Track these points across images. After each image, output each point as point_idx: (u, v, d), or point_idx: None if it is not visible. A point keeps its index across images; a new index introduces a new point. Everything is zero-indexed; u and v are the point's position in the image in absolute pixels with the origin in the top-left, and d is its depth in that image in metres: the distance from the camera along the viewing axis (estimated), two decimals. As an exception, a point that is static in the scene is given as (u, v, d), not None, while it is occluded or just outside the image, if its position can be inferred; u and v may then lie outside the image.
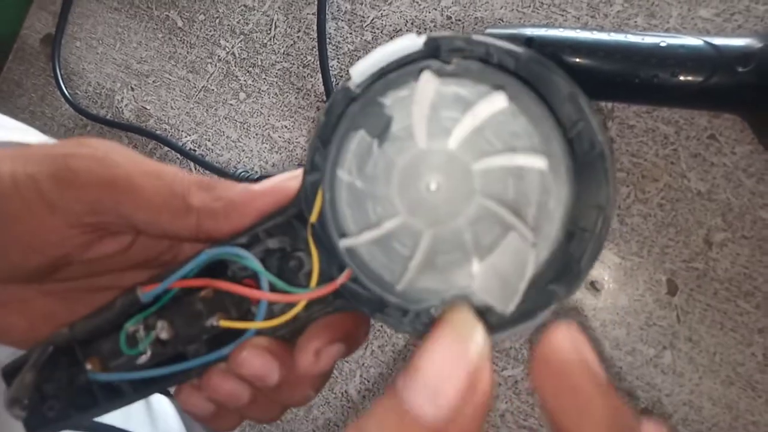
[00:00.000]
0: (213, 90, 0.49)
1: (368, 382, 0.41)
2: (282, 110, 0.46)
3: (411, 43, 0.18)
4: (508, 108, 0.17)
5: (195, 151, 0.49)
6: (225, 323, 0.21)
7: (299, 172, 0.20)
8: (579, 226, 0.17)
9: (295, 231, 0.21)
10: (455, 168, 0.18)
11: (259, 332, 0.21)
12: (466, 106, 0.18)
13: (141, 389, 0.23)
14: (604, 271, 0.37)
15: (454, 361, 0.14)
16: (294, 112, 0.46)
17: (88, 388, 0.23)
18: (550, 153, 0.17)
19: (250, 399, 0.21)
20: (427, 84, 0.18)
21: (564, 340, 0.15)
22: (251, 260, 0.21)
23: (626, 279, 0.36)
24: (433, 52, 0.18)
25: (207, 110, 0.49)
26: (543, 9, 0.40)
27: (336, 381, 0.42)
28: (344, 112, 0.18)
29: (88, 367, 0.22)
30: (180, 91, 0.50)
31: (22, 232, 0.21)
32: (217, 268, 0.22)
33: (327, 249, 0.20)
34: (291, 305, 0.21)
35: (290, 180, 0.21)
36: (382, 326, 0.41)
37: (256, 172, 0.47)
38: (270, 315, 0.21)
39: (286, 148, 0.46)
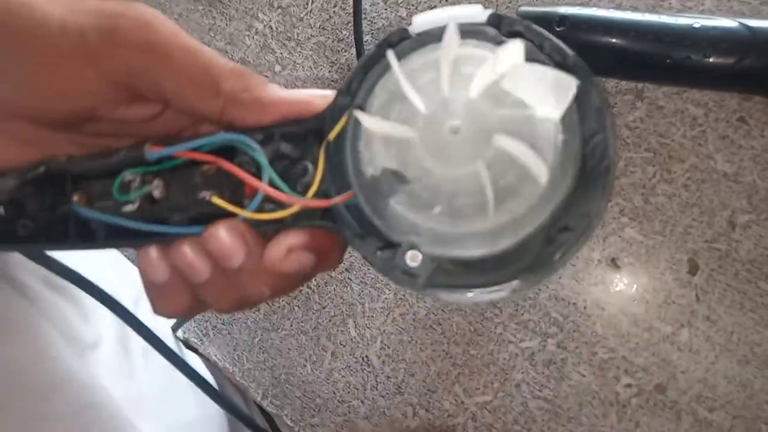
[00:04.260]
0: (250, 62, 0.50)
1: (388, 348, 0.43)
2: (316, 83, 0.48)
3: (476, 12, 0.19)
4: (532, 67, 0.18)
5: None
6: (216, 200, 0.22)
7: (331, 92, 0.21)
8: (564, 224, 0.18)
9: (308, 144, 0.22)
10: (475, 115, 0.19)
11: (244, 222, 0.22)
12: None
13: (113, 238, 0.23)
14: (625, 248, 0.37)
15: None
16: (327, 86, 0.47)
17: (65, 222, 0.23)
18: (571, 143, 0.18)
19: (207, 280, 0.22)
20: (452, 38, 0.19)
21: None
22: (259, 153, 0.21)
23: (647, 257, 0.37)
24: (494, 26, 0.19)
25: (243, 81, 0.50)
26: (577, -12, 0.40)
27: (357, 346, 0.44)
28: (394, 50, 0.20)
29: (75, 198, 0.23)
30: (218, 62, 0.52)
31: (60, 77, 0.21)
32: (225, 154, 0.22)
33: (334, 168, 0.20)
34: (282, 207, 0.21)
35: (321, 97, 0.22)
36: (404, 294, 0.43)
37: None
38: (260, 210, 0.22)
39: (318, 120, 0.47)
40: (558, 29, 0.37)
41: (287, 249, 0.21)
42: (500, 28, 0.20)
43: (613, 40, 0.36)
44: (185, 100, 0.22)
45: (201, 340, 0.51)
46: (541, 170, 0.17)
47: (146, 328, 0.40)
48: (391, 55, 0.19)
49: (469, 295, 0.19)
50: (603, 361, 0.37)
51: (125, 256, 0.51)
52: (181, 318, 0.24)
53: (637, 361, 0.36)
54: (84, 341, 0.37)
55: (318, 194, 0.21)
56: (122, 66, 0.21)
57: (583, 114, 0.18)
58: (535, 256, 0.19)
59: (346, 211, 0.20)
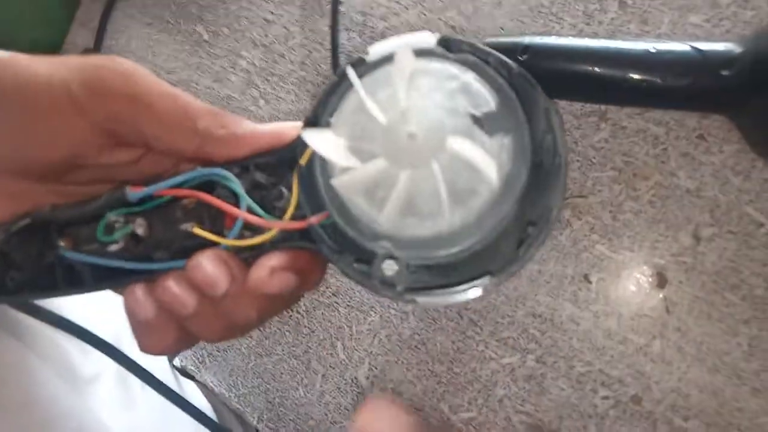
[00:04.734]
0: (236, 98, 0.53)
1: (376, 368, 0.44)
2: (299, 116, 0.50)
3: (427, 37, 0.21)
4: (490, 98, 0.20)
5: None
6: (197, 230, 0.23)
7: (300, 123, 0.23)
8: (527, 219, 0.20)
9: (282, 173, 0.23)
10: (430, 121, 0.20)
11: (225, 250, 0.23)
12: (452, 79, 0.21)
13: (100, 281, 0.24)
14: (596, 264, 0.39)
15: None
16: (310, 117, 0.49)
17: (52, 269, 0.24)
18: (520, 143, 0.20)
19: (194, 311, 0.22)
20: (405, 55, 0.21)
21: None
22: (236, 183, 0.23)
23: (618, 272, 0.38)
24: (443, 48, 0.21)
25: (230, 116, 0.53)
26: (541, 17, 0.42)
27: (346, 368, 0.45)
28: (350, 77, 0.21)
29: (61, 243, 0.24)
30: (205, 99, 0.54)
31: (48, 127, 0.23)
32: (205, 190, 0.23)
33: (308, 191, 0.22)
34: (261, 232, 0.22)
35: (291, 128, 0.23)
36: (390, 316, 0.44)
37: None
38: (240, 237, 0.23)
39: (302, 151, 0.49)
40: (521, 58, 0.39)
41: (270, 270, 0.22)
42: (450, 49, 0.21)
43: (575, 67, 0.38)
44: (166, 141, 0.23)
45: (197, 367, 0.52)
46: (490, 168, 0.19)
47: (141, 367, 0.41)
48: (351, 71, 0.21)
49: (445, 296, 0.20)
50: (580, 375, 0.38)
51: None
52: (168, 354, 0.24)
53: (613, 373, 0.38)
54: (83, 376, 0.38)
55: (295, 218, 0.22)
56: (106, 113, 0.23)
57: (532, 117, 0.20)
58: (503, 251, 0.20)
59: (322, 231, 0.22)
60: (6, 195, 0.24)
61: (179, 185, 0.23)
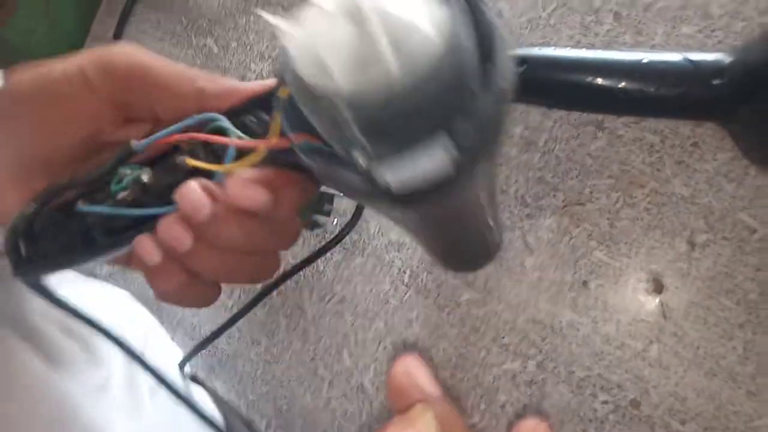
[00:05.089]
0: (243, 110, 0.54)
1: (381, 375, 0.45)
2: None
3: None
4: None
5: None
6: (190, 161, 0.24)
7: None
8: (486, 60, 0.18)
9: (266, 112, 0.25)
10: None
11: (207, 180, 0.24)
12: None
13: (112, 234, 0.26)
14: (594, 270, 0.39)
15: None
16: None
17: (71, 235, 0.27)
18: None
19: (192, 247, 0.24)
20: None
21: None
22: (224, 121, 0.24)
23: (616, 278, 0.39)
24: None
25: (238, 129, 0.54)
26: (539, 29, 0.43)
27: (352, 375, 0.46)
28: None
29: (79, 203, 0.26)
30: (215, 112, 0.56)
31: (67, 109, 0.26)
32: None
33: (291, 119, 0.21)
34: (252, 155, 0.24)
35: (272, 82, 0.26)
36: (394, 324, 0.45)
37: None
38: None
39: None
40: (519, 69, 0.40)
41: (242, 182, 0.23)
42: None
43: (572, 77, 0.39)
44: (171, 104, 0.26)
45: (207, 374, 0.54)
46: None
47: (153, 368, 0.42)
48: None
49: (413, 160, 0.18)
50: (580, 380, 0.39)
51: (135, 297, 0.54)
52: (182, 297, 0.26)
53: (612, 378, 0.38)
54: (93, 384, 0.39)
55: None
56: (118, 87, 0.26)
57: None
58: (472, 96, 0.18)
59: (307, 151, 0.21)
60: (33, 191, 0.26)
61: (177, 132, 0.25)
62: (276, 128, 0.22)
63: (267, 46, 0.54)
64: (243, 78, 0.54)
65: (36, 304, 0.37)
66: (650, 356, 0.37)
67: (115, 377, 0.42)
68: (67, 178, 0.26)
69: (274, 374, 0.50)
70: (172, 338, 0.55)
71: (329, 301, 0.48)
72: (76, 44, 0.65)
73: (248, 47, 0.55)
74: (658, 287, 0.38)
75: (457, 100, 0.18)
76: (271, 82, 0.26)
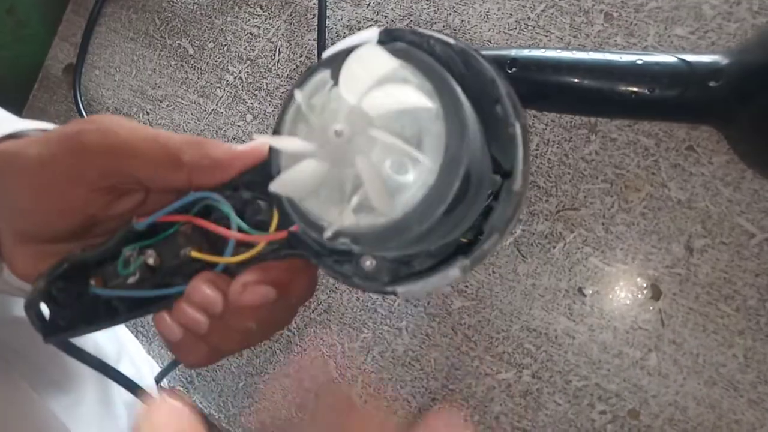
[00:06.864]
0: (222, 113, 0.52)
1: (369, 386, 0.43)
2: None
3: (371, 34, 0.21)
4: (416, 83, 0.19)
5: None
6: (195, 254, 0.25)
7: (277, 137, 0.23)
8: (491, 192, 0.19)
9: (266, 187, 0.24)
10: (358, 117, 0.19)
11: (226, 269, 0.24)
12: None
13: (132, 309, 0.27)
14: (590, 277, 0.38)
15: None
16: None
17: (93, 305, 0.27)
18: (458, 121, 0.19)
19: (209, 327, 0.24)
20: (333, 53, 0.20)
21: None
22: (223, 204, 0.24)
23: (612, 285, 0.38)
24: (386, 40, 0.21)
25: (216, 132, 0.52)
26: (528, 30, 0.42)
27: (340, 386, 0.45)
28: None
29: (92, 282, 0.26)
30: (192, 114, 0.53)
31: (55, 201, 0.25)
32: (203, 213, 0.25)
33: (290, 202, 0.22)
34: (253, 247, 0.24)
35: (267, 143, 0.24)
36: (382, 333, 0.43)
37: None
38: (237, 254, 0.24)
39: (290, 166, 0.49)
40: (510, 71, 0.39)
41: (242, 285, 0.24)
42: (392, 39, 0.21)
43: (564, 79, 0.38)
44: (158, 180, 0.25)
45: (186, 387, 0.51)
46: (414, 153, 0.18)
47: (126, 382, 0.40)
48: (296, 91, 0.21)
49: (425, 282, 0.20)
50: (577, 389, 0.38)
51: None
52: (209, 364, 0.27)
53: (610, 387, 0.37)
54: (68, 399, 0.38)
55: (280, 229, 0.23)
56: (97, 173, 0.24)
57: (482, 86, 0.20)
58: (473, 227, 0.20)
59: (304, 237, 0.22)
60: (37, 257, 0.26)
61: (176, 210, 0.25)
62: (275, 217, 0.23)
63: (245, 47, 0.51)
64: (221, 80, 0.52)
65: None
66: (649, 365, 0.36)
67: (89, 392, 0.41)
68: (71, 253, 0.27)
69: (257, 387, 0.48)
70: (148, 351, 0.53)
71: (314, 310, 0.46)
72: (42, 44, 0.62)
73: (226, 48, 0.52)
74: (655, 294, 0.37)
75: (472, 230, 0.20)
76: (262, 147, 0.24)
